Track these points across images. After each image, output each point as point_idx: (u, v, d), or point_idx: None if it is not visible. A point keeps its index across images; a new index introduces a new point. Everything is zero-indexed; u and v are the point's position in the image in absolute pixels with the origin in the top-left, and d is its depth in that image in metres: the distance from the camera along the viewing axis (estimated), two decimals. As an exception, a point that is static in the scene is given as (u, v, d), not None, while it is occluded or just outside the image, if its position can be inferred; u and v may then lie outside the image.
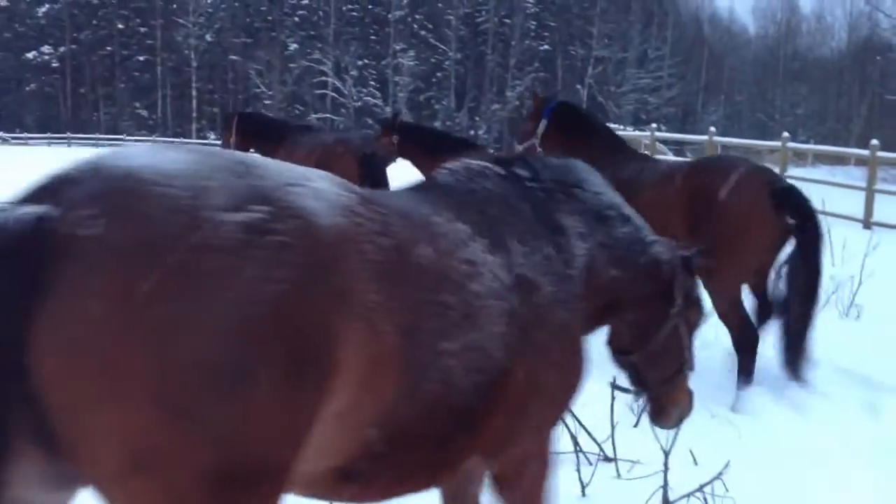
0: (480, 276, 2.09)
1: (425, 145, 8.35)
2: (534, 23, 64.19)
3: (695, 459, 3.97)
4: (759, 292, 5.52)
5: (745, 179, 5.20)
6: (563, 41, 64.39)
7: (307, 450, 1.63)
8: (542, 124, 6.90)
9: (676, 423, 3.00)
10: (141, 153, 1.57)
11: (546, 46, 64.16)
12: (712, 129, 21.53)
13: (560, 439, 3.19)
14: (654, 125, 25.96)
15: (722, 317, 5.21)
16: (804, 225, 5.06)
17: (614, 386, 3.52)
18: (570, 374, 2.41)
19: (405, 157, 8.81)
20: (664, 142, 27.49)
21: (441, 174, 2.50)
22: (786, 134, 19.17)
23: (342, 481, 1.90)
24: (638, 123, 53.78)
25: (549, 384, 2.29)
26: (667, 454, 3.49)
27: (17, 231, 1.38)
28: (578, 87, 63.49)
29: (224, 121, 11.44)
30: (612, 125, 28.59)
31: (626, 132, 30.97)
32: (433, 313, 1.91)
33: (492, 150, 9.10)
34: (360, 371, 1.68)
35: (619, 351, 2.90)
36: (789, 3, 78.40)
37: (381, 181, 8.96)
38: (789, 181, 6.00)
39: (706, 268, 3.10)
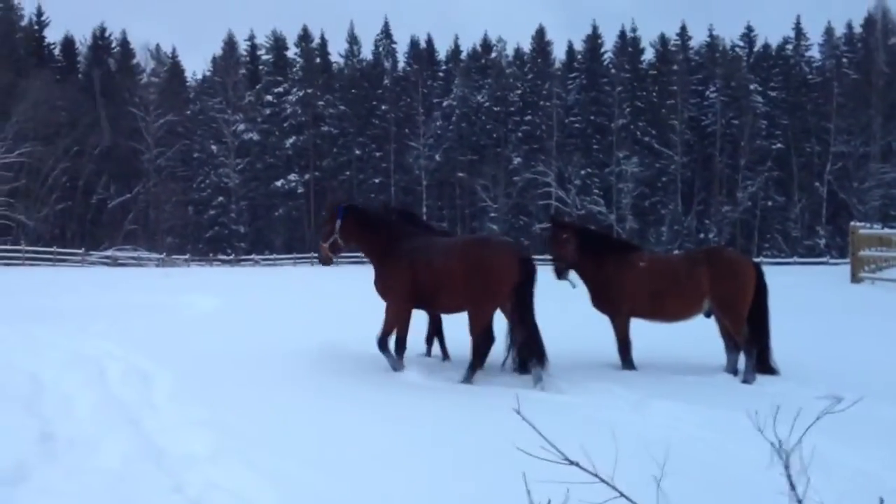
0: None
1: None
2: (764, 122, 62.40)
3: None
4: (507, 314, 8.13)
5: (507, 251, 7.77)
6: (798, 138, 61.98)
7: None
8: (338, 223, 8.46)
9: None
10: None
11: (779, 145, 61.96)
12: None
13: None
14: (906, 221, 23.50)
15: (479, 332, 7.70)
16: (525, 279, 7.66)
17: None
18: None
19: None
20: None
21: None
22: None
23: None
24: (887, 220, 50.39)
25: None
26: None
27: None
28: (817, 184, 60.65)
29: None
30: (857, 223, 26.62)
31: (874, 230, 28.31)
32: None
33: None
34: None
35: None
36: None
37: None
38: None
39: None
